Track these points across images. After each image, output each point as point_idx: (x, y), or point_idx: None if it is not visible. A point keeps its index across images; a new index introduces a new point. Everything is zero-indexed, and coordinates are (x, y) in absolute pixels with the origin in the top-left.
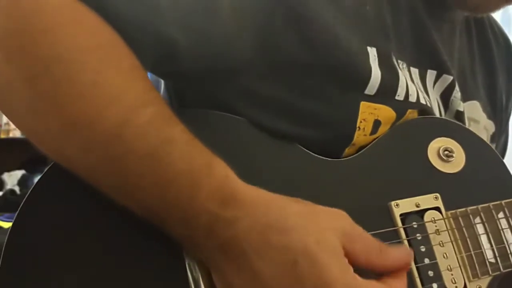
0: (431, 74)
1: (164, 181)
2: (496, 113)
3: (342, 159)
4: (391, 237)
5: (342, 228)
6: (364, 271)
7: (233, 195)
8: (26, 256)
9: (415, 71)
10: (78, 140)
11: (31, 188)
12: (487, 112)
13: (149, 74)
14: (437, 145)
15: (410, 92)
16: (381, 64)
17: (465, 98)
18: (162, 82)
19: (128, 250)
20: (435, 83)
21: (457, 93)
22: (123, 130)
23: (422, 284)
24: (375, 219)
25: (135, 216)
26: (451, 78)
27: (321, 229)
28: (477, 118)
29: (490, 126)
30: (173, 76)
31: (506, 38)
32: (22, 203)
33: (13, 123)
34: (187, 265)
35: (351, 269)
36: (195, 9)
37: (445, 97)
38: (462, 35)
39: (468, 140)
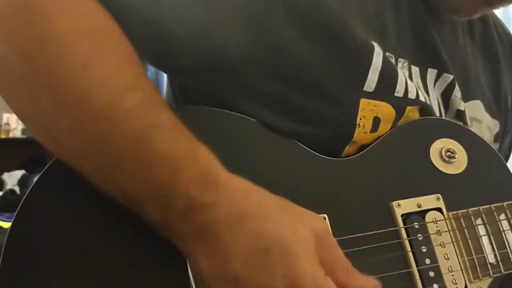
0: (431, 73)
1: (146, 163)
2: (501, 113)
3: (344, 158)
4: (392, 237)
5: (316, 230)
6: None
7: (215, 181)
8: (25, 256)
9: (415, 69)
10: (66, 119)
11: (30, 188)
12: (491, 112)
13: (149, 71)
14: (439, 146)
15: (409, 89)
16: (383, 61)
17: (467, 98)
18: (165, 76)
19: (129, 249)
20: (435, 82)
21: (457, 92)
22: (110, 111)
23: (423, 285)
24: (376, 219)
25: (135, 215)
26: (451, 77)
27: (297, 222)
28: (480, 118)
29: (494, 126)
30: (174, 71)
31: (510, 38)
32: (21, 203)
33: (5, 100)
34: (188, 264)
35: (322, 269)
36: (194, 4)
37: (446, 96)
38: (464, 34)
39: (470, 141)
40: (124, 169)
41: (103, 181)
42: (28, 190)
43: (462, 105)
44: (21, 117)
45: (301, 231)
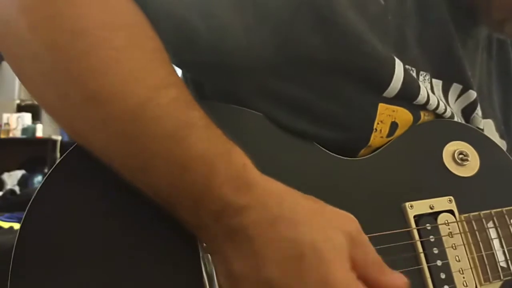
0: (455, 88)
1: (179, 165)
2: (509, 132)
3: (358, 158)
4: (405, 238)
5: (349, 231)
6: None
7: (248, 183)
8: (38, 253)
9: (438, 82)
10: (96, 115)
11: (40, 184)
12: (500, 132)
13: None
14: (452, 148)
15: (430, 102)
16: (404, 72)
17: (482, 117)
18: (180, 74)
19: (142, 243)
20: (458, 97)
21: (479, 111)
22: (143, 109)
23: (434, 286)
24: (389, 220)
25: (150, 209)
26: (475, 94)
27: (330, 227)
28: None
29: (502, 146)
30: (192, 67)
31: None
32: (32, 199)
33: (30, 92)
34: (201, 258)
35: (354, 275)
36: (220, 4)
37: (467, 113)
38: (483, 51)
39: (483, 145)
40: (156, 169)
41: (133, 178)
42: (39, 185)
43: (482, 124)
44: (47, 109)
45: (334, 237)
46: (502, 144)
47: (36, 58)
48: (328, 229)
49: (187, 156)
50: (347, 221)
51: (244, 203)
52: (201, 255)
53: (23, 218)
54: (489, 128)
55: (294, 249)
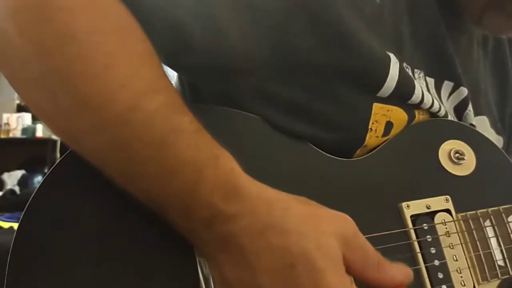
0: (447, 85)
1: (168, 170)
2: (505, 129)
3: (353, 159)
4: (402, 238)
5: (343, 234)
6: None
7: (237, 190)
8: (35, 253)
9: (431, 80)
10: (87, 121)
11: (39, 185)
12: (496, 128)
13: None
14: (448, 147)
15: (425, 101)
16: (400, 71)
17: (476, 113)
18: (175, 77)
19: (139, 247)
20: (450, 94)
21: (471, 107)
22: (132, 115)
23: (432, 286)
24: (386, 220)
25: (146, 213)
26: (466, 91)
27: (322, 233)
28: (485, 134)
29: (498, 142)
30: (187, 70)
31: None
32: (29, 200)
33: (21, 97)
34: (197, 262)
35: (349, 279)
36: (215, 3)
37: (460, 110)
38: (479, 47)
39: (479, 143)
40: (146, 174)
41: (124, 183)
42: (38, 186)
43: (474, 120)
44: (38, 114)
45: (326, 243)
46: (498, 140)
47: (26, 62)
48: (320, 235)
49: (176, 162)
50: (342, 223)
51: (233, 211)
52: (197, 258)
53: (20, 219)
54: (482, 124)
55: (285, 258)
